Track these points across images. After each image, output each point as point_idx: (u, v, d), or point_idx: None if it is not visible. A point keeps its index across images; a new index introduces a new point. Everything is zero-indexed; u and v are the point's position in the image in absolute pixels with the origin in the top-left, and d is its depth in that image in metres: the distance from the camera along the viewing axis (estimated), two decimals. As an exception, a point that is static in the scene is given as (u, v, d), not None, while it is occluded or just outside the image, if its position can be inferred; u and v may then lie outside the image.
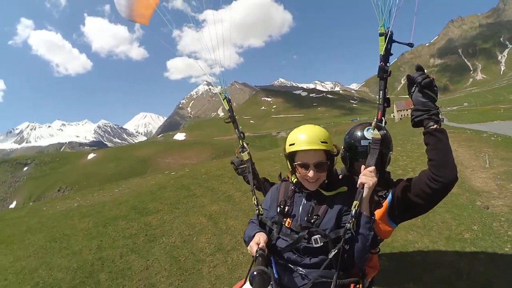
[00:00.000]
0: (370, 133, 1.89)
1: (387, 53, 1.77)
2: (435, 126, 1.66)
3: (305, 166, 1.77)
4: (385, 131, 1.80)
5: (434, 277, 4.35)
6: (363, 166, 1.77)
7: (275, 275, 1.80)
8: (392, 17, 1.76)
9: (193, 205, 7.25)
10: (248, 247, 1.79)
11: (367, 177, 1.69)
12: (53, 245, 5.57)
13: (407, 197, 1.86)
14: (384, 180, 2.07)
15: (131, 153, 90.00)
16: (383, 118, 1.82)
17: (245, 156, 2.61)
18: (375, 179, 1.69)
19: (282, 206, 1.88)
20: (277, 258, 1.86)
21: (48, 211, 7.83)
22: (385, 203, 1.97)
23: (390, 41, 1.76)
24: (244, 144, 2.67)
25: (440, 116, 1.71)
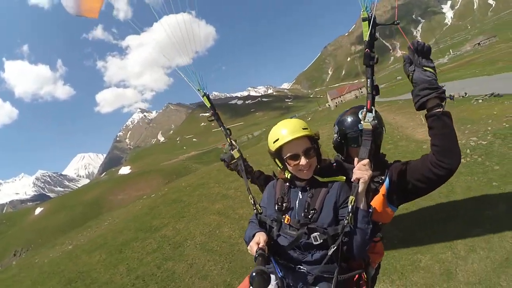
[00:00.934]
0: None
1: (372, 39, 1.60)
2: (441, 109, 1.49)
3: (295, 156, 1.70)
4: (376, 121, 1.62)
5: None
6: (356, 159, 1.62)
7: (279, 274, 1.71)
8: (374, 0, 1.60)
9: (196, 210, 7.29)
10: (248, 247, 1.68)
11: (361, 171, 1.55)
12: (75, 286, 5.14)
13: (407, 181, 1.74)
14: (379, 163, 1.94)
15: (79, 199, 79.23)
16: (373, 107, 1.64)
17: (235, 153, 2.37)
18: (370, 173, 1.55)
19: (279, 204, 1.79)
20: (277, 258, 1.75)
21: (43, 260, 6.95)
22: (383, 188, 1.85)
23: (374, 25, 1.60)
24: (233, 142, 2.41)
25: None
